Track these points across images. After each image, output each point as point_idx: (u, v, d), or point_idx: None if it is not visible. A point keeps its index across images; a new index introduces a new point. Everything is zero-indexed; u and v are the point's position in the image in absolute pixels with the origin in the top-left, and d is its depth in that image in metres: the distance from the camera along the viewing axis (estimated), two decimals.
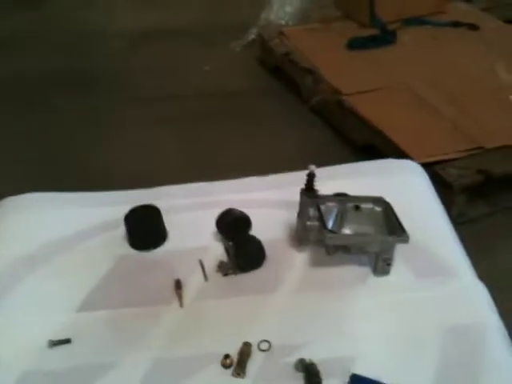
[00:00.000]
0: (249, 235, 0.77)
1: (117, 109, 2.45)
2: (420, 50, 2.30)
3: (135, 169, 1.99)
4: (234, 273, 0.75)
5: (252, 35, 2.83)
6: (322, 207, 0.75)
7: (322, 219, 0.73)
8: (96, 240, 0.84)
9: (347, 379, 0.62)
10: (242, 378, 0.64)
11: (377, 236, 0.72)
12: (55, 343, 0.70)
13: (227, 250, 0.77)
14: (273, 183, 0.89)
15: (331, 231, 0.71)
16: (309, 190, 0.73)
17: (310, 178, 0.72)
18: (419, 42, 2.37)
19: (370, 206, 0.76)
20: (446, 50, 2.25)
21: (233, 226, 0.77)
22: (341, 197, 0.78)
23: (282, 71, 2.62)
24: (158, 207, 0.81)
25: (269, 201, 0.83)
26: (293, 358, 0.66)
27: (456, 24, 2.42)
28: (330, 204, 0.76)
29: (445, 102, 1.89)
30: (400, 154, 1.73)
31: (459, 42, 2.28)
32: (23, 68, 2.61)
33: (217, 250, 0.80)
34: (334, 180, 0.84)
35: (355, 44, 2.47)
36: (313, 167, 0.71)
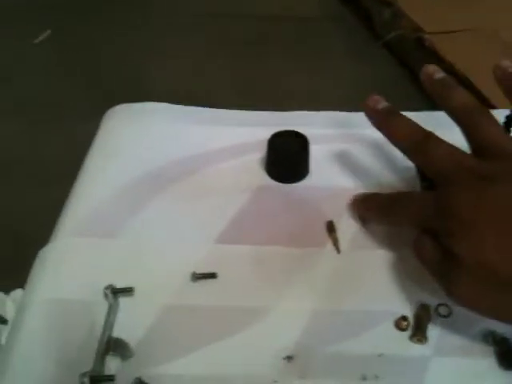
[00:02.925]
0: None
1: (170, 24, 2.32)
2: None
3: (187, 89, 1.87)
4: None
5: None
6: None
7: None
8: (227, 163, 0.74)
9: None
10: (423, 343, 0.56)
11: None
12: (199, 277, 0.61)
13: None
14: (429, 121, 0.77)
15: None
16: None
17: (509, 120, 0.61)
18: None
19: None
20: None
21: None
22: None
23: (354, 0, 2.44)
24: (306, 136, 0.70)
25: None
26: (477, 328, 0.57)
27: None
28: None
29: None
30: (482, 102, 1.61)
31: None
32: None
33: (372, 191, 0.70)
34: None
35: None
36: None
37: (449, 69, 1.84)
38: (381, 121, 0.60)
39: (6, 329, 0.88)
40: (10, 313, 0.92)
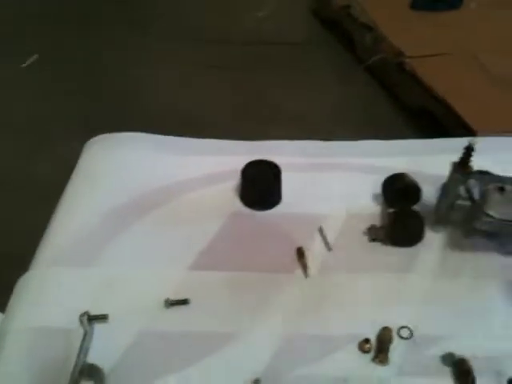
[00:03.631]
0: (413, 209, 0.69)
1: (166, 47, 2.35)
2: (486, 18, 2.19)
3: (183, 111, 1.90)
4: (384, 242, 0.68)
5: None
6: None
7: (474, 200, 0.65)
8: (202, 192, 0.76)
9: (504, 382, 0.57)
10: (385, 365, 0.59)
11: None
12: (173, 303, 0.63)
13: (386, 216, 0.70)
14: (394, 149, 0.81)
15: (489, 215, 0.64)
16: (464, 166, 0.65)
17: (468, 152, 0.64)
18: (485, 9, 2.25)
19: None
20: None
21: (402, 193, 0.70)
22: (483, 175, 0.70)
23: (337, 25, 2.49)
24: (278, 165, 0.73)
25: (395, 169, 0.75)
26: (436, 350, 0.60)
27: None
28: (472, 182, 0.69)
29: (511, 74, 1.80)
30: (459, 125, 1.66)
31: None
32: None
33: (337, 219, 0.73)
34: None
35: (419, 4, 2.35)
36: (475, 140, 0.63)
37: (428, 92, 1.89)
38: None
39: None
40: None
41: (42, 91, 2.07)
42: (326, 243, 0.70)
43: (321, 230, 0.71)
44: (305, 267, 0.67)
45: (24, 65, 2.08)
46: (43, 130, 1.87)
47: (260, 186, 0.72)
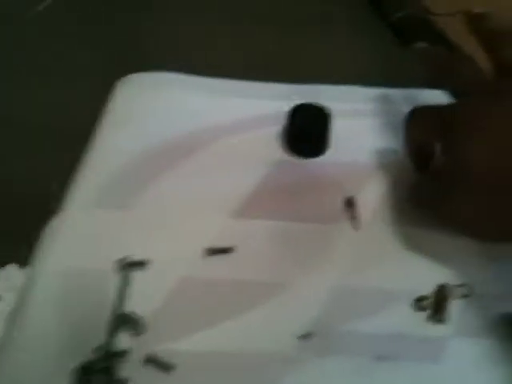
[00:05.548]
0: None
1: None
2: None
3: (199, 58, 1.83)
4: None
5: None
6: None
7: None
8: (242, 136, 0.72)
9: None
10: (442, 323, 0.55)
11: None
12: (216, 251, 0.60)
13: None
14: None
15: None
16: None
17: None
18: None
19: None
20: None
21: None
22: None
23: None
24: (329, 109, 0.68)
25: None
26: (496, 309, 0.56)
27: None
28: None
29: None
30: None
31: None
32: None
33: (388, 170, 0.68)
34: None
35: None
36: None
37: (456, 51, 1.81)
38: None
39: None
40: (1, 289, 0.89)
41: (59, 36, 1.97)
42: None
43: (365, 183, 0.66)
44: (355, 218, 0.63)
45: (40, 7, 2.00)
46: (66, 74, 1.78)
47: (308, 131, 0.67)
